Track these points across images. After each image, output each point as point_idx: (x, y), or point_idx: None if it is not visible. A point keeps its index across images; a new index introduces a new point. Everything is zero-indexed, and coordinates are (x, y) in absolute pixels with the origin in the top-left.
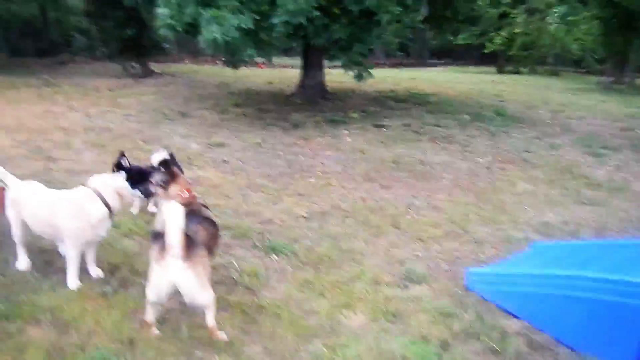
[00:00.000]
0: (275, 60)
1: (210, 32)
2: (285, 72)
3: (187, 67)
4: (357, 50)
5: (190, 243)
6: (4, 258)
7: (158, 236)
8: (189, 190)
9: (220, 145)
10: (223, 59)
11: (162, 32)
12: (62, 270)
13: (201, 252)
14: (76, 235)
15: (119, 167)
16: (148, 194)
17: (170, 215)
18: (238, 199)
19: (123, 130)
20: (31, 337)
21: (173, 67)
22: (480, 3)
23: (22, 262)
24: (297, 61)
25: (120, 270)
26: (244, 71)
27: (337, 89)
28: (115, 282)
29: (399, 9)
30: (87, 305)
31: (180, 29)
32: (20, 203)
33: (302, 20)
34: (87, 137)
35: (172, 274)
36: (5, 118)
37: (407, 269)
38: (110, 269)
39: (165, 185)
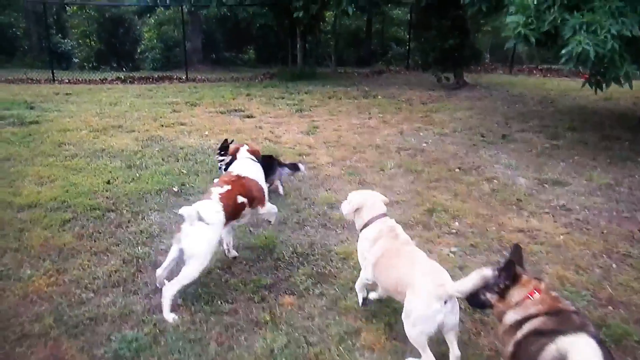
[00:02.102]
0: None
1: (577, 42)
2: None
3: (501, 77)
4: None
5: None
6: None
7: None
8: (538, 290)
9: (556, 183)
10: (586, 75)
11: (510, 43)
12: None
13: None
14: None
15: None
16: (479, 304)
17: None
18: (592, 274)
19: (437, 153)
20: None
21: (486, 78)
22: None
23: None
24: None
25: None
26: (567, 83)
27: None
28: None
29: None
30: None
31: (534, 39)
32: None
33: None
34: (401, 159)
35: None
36: (326, 132)
37: None
38: None
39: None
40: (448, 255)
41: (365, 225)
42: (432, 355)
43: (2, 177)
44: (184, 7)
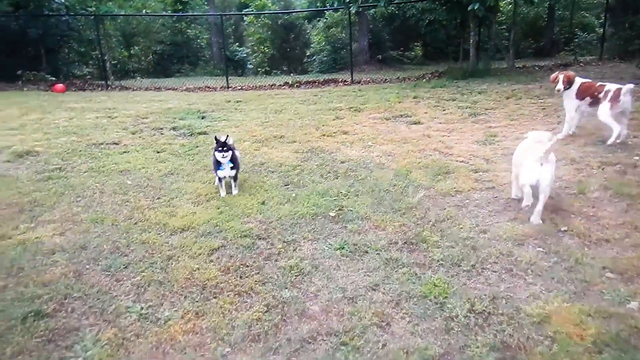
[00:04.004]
0: None
1: None
2: None
3: None
4: None
5: None
6: None
7: None
8: None
9: None
10: None
11: None
12: None
13: None
14: None
15: None
16: None
17: None
18: None
19: None
20: None
21: None
22: None
23: None
24: None
25: None
26: None
27: None
28: None
29: None
30: None
31: None
32: None
33: None
34: (606, 178)
35: None
36: (506, 141)
37: None
38: None
39: None
40: None
41: None
42: None
43: (164, 195)
44: (351, 8)
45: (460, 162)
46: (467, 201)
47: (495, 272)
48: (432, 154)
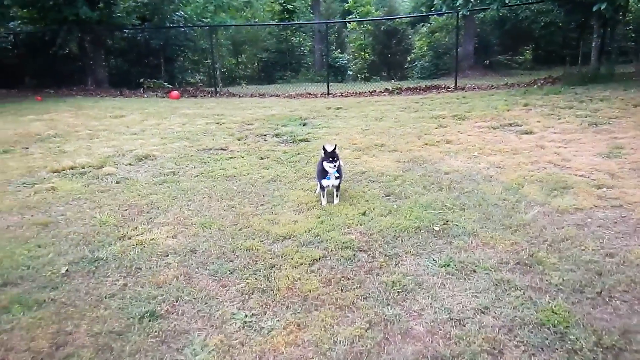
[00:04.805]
0: None
1: None
2: None
3: None
4: None
5: None
6: None
7: None
8: None
9: None
10: None
11: None
12: None
13: None
14: None
15: None
16: None
17: None
18: None
19: None
20: None
21: None
22: None
23: None
24: None
25: None
26: None
27: None
28: None
29: None
30: None
31: None
32: None
33: None
34: None
35: None
36: (635, 154)
37: None
38: None
39: None
40: None
41: None
42: None
43: (268, 202)
44: (459, 12)
45: (580, 176)
46: (589, 220)
47: (625, 302)
48: (546, 167)
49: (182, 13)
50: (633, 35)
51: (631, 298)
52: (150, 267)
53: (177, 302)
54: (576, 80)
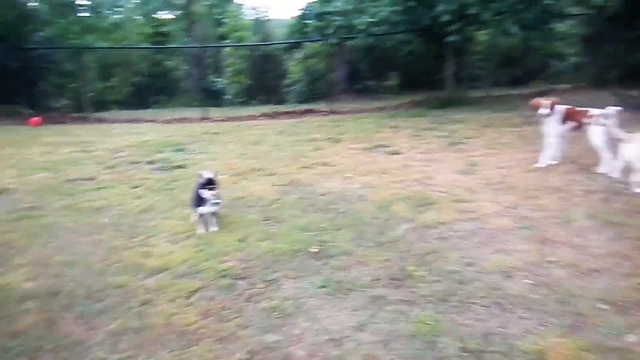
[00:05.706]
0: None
1: None
2: None
3: None
4: None
5: None
6: None
7: None
8: None
9: None
10: None
11: None
12: None
13: None
14: None
15: None
16: None
17: None
18: None
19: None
20: None
21: None
22: None
23: None
24: None
25: None
26: None
27: None
28: None
29: None
30: None
31: None
32: None
33: None
34: (591, 207)
35: None
36: (486, 170)
37: None
38: None
39: None
40: None
41: None
42: None
43: (141, 233)
44: (329, 39)
45: (442, 192)
46: (451, 233)
47: (484, 306)
48: (413, 185)
49: (41, 34)
50: (482, 63)
51: (490, 303)
52: (4, 316)
53: (36, 353)
54: (436, 104)
